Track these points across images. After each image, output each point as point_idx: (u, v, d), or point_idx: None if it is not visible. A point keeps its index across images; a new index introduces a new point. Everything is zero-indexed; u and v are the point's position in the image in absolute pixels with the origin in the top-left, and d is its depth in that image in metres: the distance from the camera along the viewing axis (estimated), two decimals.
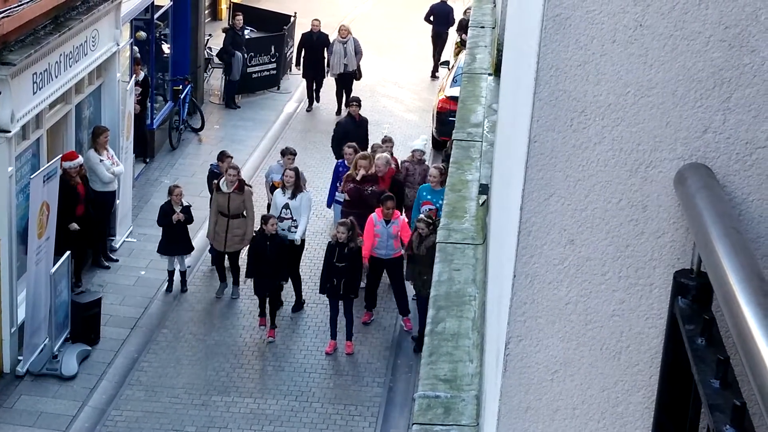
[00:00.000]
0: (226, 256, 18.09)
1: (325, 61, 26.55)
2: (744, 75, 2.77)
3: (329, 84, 26.93)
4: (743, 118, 2.79)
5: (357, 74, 26.52)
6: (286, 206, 17.70)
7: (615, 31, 2.80)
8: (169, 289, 18.27)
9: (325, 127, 25.24)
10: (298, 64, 27.10)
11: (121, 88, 19.56)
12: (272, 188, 19.02)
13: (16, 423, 14.73)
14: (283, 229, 17.62)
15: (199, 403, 15.55)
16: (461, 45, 28.35)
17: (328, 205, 19.44)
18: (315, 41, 26.61)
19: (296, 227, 17.76)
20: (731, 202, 2.78)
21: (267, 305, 17.16)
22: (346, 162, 19.32)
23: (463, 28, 28.82)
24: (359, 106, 22.35)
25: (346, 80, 26.57)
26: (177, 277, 18.32)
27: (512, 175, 3.46)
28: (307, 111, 26.99)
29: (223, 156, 18.82)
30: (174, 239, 17.83)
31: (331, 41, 26.44)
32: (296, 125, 26.17)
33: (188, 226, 18.01)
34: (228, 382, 16.11)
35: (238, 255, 18.08)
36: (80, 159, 17.27)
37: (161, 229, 18.00)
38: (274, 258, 16.76)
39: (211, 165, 19.48)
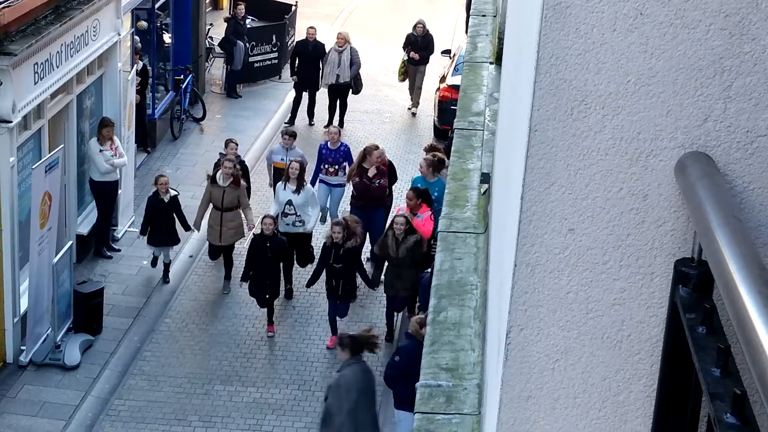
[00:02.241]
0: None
1: (320, 72, 24.67)
2: (745, 63, 2.76)
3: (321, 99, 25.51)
4: (744, 106, 2.79)
5: (353, 87, 24.68)
6: (290, 202, 17.56)
7: (615, 20, 2.80)
8: (153, 264, 18.32)
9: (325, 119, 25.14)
10: (293, 74, 25.10)
11: (122, 78, 19.56)
12: (275, 171, 18.99)
13: (20, 413, 14.76)
14: (288, 224, 17.57)
15: (201, 392, 15.58)
16: (408, 63, 25.77)
17: (312, 184, 19.24)
18: (310, 51, 24.64)
19: (301, 222, 17.64)
20: (732, 191, 2.78)
21: (267, 306, 17.07)
22: (329, 144, 19.32)
23: (411, 43, 25.84)
24: None
25: (340, 92, 24.72)
26: (160, 266, 18.32)
27: (513, 165, 3.46)
28: (286, 123, 24.75)
29: (227, 143, 18.96)
30: (160, 231, 17.78)
31: (327, 50, 24.59)
32: (298, 114, 26.08)
33: (183, 214, 17.97)
34: (231, 371, 16.13)
35: (233, 249, 18.07)
36: None
37: (144, 216, 18.06)
38: (273, 259, 16.67)
39: (220, 153, 19.53)
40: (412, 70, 26.03)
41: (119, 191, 18.92)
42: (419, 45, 25.85)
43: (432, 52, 26.23)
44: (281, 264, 17.13)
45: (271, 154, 19.65)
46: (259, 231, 16.99)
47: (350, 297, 16.67)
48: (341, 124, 24.69)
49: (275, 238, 16.68)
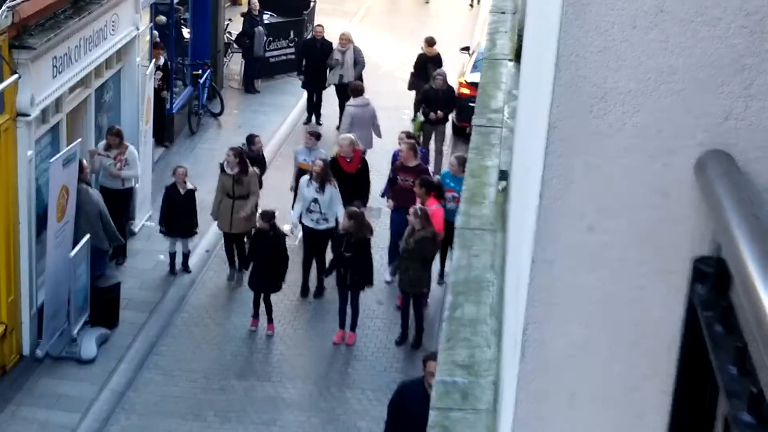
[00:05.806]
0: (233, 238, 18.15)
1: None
2: (766, 61, 2.75)
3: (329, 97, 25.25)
4: (765, 104, 2.78)
5: None
6: (315, 200, 17.48)
7: (635, 17, 2.79)
8: (172, 271, 18.30)
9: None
10: (300, 73, 25.10)
11: (140, 72, 19.59)
12: (298, 171, 18.96)
13: (36, 405, 14.82)
14: (312, 221, 17.55)
15: (217, 387, 15.61)
16: (423, 124, 22.16)
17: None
18: (318, 49, 24.38)
19: (325, 220, 17.59)
20: (752, 189, 2.77)
21: (261, 303, 16.99)
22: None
23: (428, 98, 22.09)
24: None
25: (343, 92, 23.80)
26: (179, 259, 18.34)
27: (532, 162, 3.46)
28: (305, 123, 24.76)
29: (250, 139, 19.38)
30: (177, 221, 17.81)
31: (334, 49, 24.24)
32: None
33: (197, 208, 18.01)
34: (246, 366, 16.15)
35: (244, 237, 18.06)
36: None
37: (162, 207, 18.09)
38: (271, 255, 16.65)
39: (243, 144, 19.61)
40: (428, 131, 22.29)
41: (135, 185, 18.86)
42: (439, 101, 21.96)
43: (453, 109, 22.58)
44: (282, 265, 16.99)
45: (297, 155, 19.63)
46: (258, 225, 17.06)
47: (360, 287, 16.62)
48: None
49: (274, 235, 16.66)
